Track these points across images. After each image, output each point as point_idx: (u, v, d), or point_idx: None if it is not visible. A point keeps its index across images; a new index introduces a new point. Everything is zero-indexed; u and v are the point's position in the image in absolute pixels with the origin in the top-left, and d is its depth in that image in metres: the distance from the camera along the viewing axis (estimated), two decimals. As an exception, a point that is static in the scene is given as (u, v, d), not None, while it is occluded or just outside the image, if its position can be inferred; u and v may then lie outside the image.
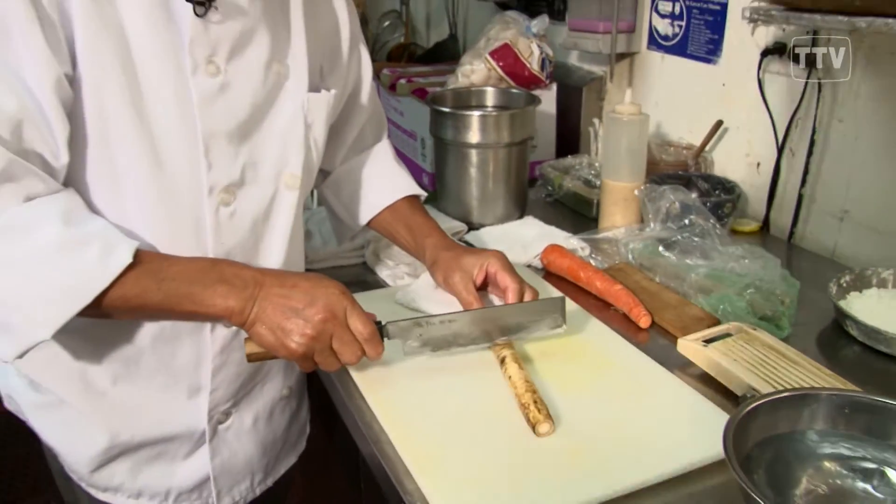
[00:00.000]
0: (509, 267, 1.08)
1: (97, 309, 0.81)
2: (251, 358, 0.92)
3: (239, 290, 0.87)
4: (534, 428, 0.85)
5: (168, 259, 0.87)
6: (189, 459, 1.03)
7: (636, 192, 1.39)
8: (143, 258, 0.83)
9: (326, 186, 1.24)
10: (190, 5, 0.85)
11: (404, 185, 1.22)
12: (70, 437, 0.99)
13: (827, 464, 0.76)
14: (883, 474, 0.75)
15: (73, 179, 0.85)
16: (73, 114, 0.82)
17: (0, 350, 0.80)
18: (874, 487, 0.75)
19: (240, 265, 0.90)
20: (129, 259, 0.81)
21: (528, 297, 1.06)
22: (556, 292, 1.20)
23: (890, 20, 0.95)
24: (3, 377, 1.05)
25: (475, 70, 1.79)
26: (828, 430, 0.78)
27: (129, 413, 0.97)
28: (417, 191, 1.23)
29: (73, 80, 0.81)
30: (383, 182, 1.22)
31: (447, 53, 2.62)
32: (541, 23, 1.79)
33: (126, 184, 0.87)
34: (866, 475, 0.76)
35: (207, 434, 1.02)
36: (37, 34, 0.76)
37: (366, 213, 1.21)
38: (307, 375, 1.21)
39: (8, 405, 1.06)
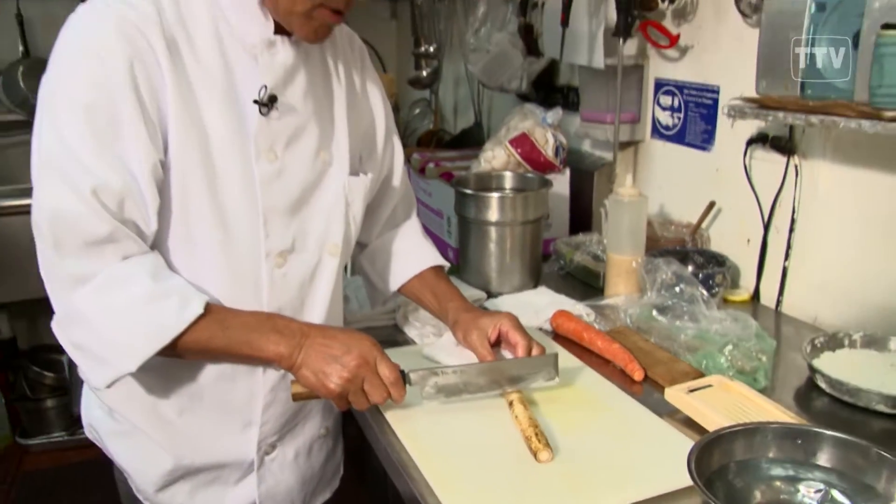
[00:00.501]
0: (519, 326, 1.24)
1: (173, 350, 0.99)
2: (296, 397, 1.08)
3: (288, 338, 1.04)
4: (535, 455, 1.00)
5: (231, 311, 1.06)
6: (239, 485, 1.18)
7: (634, 264, 1.56)
8: (211, 310, 1.01)
9: (363, 257, 1.41)
10: (256, 106, 1.05)
11: (430, 257, 1.39)
12: (140, 460, 1.15)
13: (778, 483, 0.90)
14: (828, 493, 0.89)
15: (157, 243, 1.03)
16: (162, 191, 1.01)
17: (95, 378, 0.99)
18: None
19: (290, 319, 1.08)
20: (200, 310, 0.99)
21: (535, 352, 1.20)
22: (558, 348, 1.35)
23: (837, 118, 1.13)
24: (87, 409, 1.22)
25: (496, 156, 1.97)
26: (780, 457, 0.91)
27: (192, 441, 1.13)
28: (442, 262, 1.40)
29: (164, 165, 1.00)
30: (412, 254, 1.39)
31: (473, 139, 2.75)
32: (555, 114, 1.98)
33: (199, 248, 1.05)
34: (813, 494, 0.89)
35: (256, 463, 1.17)
36: (141, 130, 0.96)
37: (396, 280, 1.37)
38: (343, 421, 1.36)
39: (89, 434, 1.22)
